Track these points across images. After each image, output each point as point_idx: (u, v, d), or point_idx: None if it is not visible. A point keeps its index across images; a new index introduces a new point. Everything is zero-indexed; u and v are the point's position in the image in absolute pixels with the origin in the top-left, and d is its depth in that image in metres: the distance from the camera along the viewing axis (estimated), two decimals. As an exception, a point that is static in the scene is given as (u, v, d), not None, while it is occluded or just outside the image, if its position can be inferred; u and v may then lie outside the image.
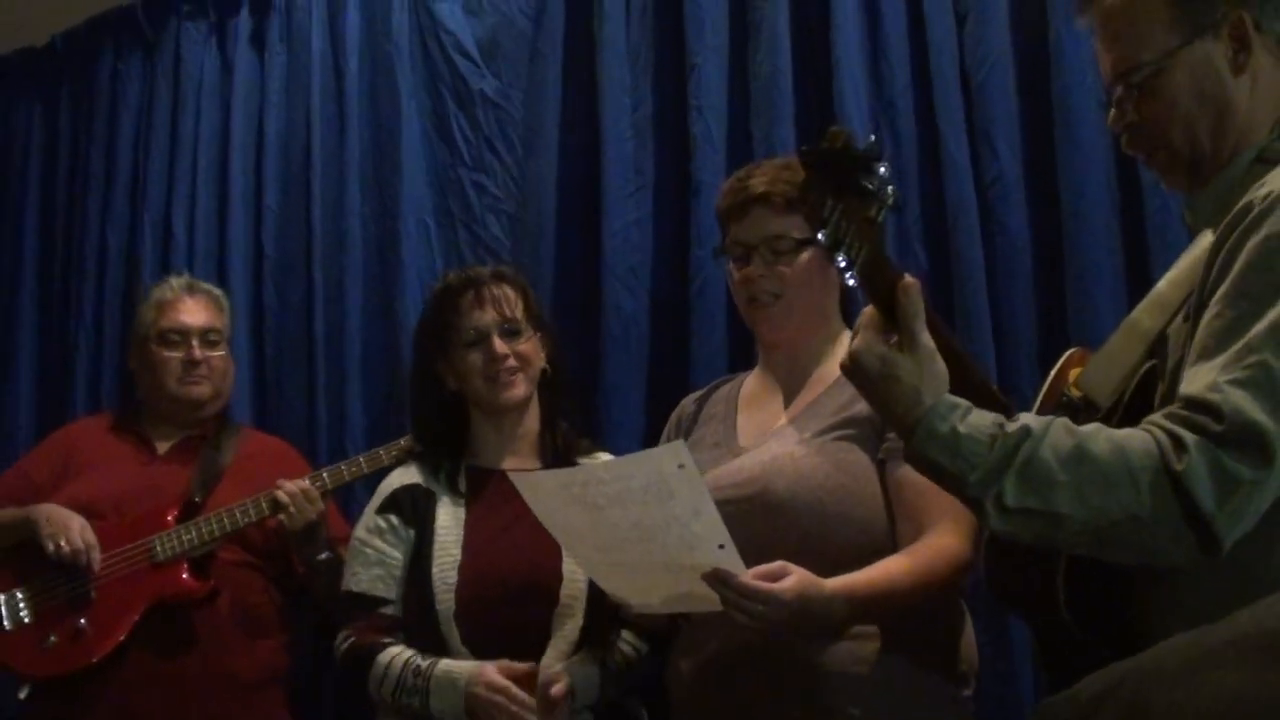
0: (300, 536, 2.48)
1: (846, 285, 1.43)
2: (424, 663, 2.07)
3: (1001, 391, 1.44)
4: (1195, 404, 1.23)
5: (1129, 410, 1.39)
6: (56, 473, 2.69)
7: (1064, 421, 1.28)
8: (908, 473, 1.66)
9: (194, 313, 2.76)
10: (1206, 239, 1.39)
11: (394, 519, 2.22)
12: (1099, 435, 1.25)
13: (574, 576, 2.11)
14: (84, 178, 3.71)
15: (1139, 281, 2.20)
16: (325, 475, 2.53)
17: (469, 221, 3.06)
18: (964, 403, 1.31)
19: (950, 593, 1.84)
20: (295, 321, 3.24)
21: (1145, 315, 1.47)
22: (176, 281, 2.84)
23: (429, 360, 2.29)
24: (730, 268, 2.04)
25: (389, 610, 2.18)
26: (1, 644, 2.50)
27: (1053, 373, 1.55)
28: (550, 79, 3.00)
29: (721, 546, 1.62)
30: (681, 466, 1.59)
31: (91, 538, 2.49)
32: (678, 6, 2.83)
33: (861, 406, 1.80)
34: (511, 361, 2.23)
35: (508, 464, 2.23)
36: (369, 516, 2.25)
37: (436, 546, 2.16)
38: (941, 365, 1.34)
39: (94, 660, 2.44)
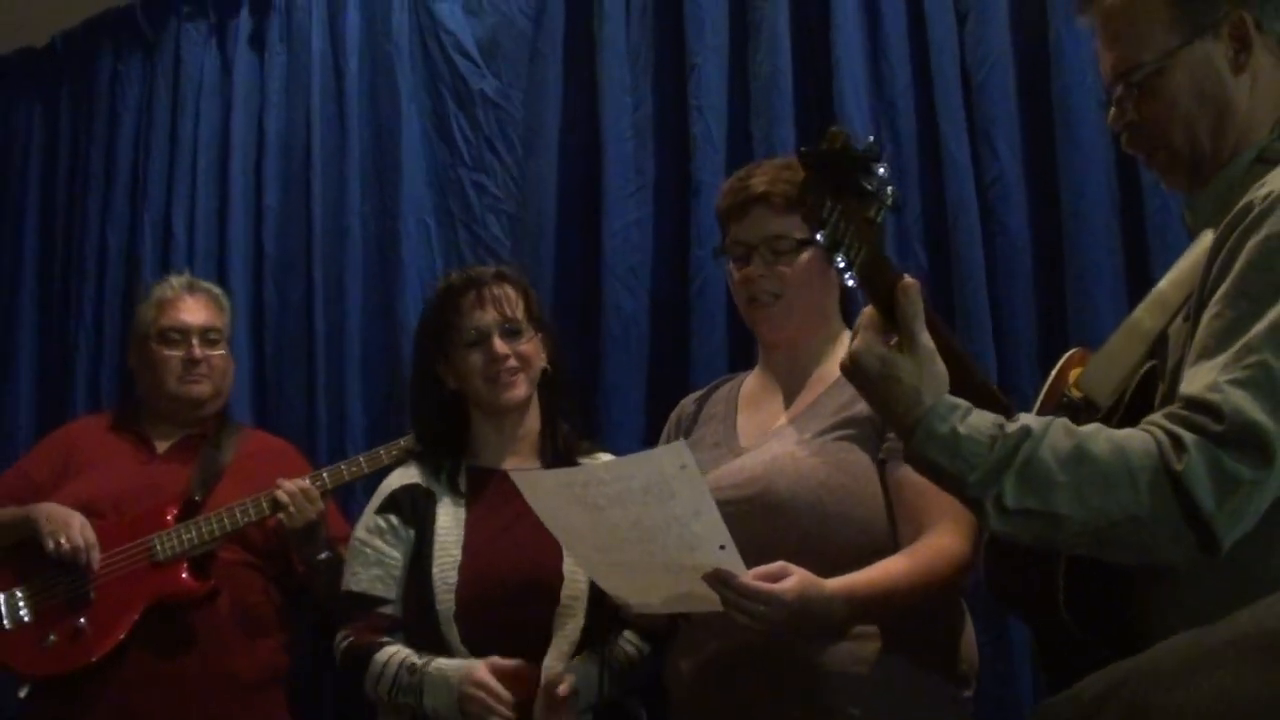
0: (300, 536, 2.48)
1: (846, 285, 1.43)
2: (418, 661, 2.07)
3: (1001, 391, 1.44)
4: (1195, 404, 1.23)
5: (1129, 410, 1.39)
6: (56, 472, 2.69)
7: (1063, 422, 1.27)
8: (908, 473, 1.65)
9: (194, 311, 2.76)
10: (1207, 239, 1.39)
11: (394, 519, 2.22)
12: (1099, 435, 1.25)
13: (575, 576, 2.11)
14: (84, 178, 3.71)
15: (1139, 281, 2.20)
16: (325, 475, 2.53)
17: (469, 221, 3.06)
18: (964, 403, 1.31)
19: (950, 593, 1.84)
20: (295, 321, 3.24)
21: (1146, 315, 1.47)
22: (177, 280, 2.84)
23: (429, 360, 2.29)
24: (730, 268, 2.04)
25: (388, 610, 2.18)
26: (1, 643, 2.49)
27: (1053, 373, 1.54)
28: (550, 79, 3.00)
29: (722, 547, 1.62)
30: (683, 467, 1.59)
31: (91, 536, 2.49)
32: (678, 6, 2.83)
33: (862, 406, 1.80)
34: (512, 362, 2.23)
35: (508, 464, 2.23)
36: (369, 516, 2.25)
37: (437, 546, 2.16)
38: (941, 366, 1.33)
39: (94, 659, 2.44)
